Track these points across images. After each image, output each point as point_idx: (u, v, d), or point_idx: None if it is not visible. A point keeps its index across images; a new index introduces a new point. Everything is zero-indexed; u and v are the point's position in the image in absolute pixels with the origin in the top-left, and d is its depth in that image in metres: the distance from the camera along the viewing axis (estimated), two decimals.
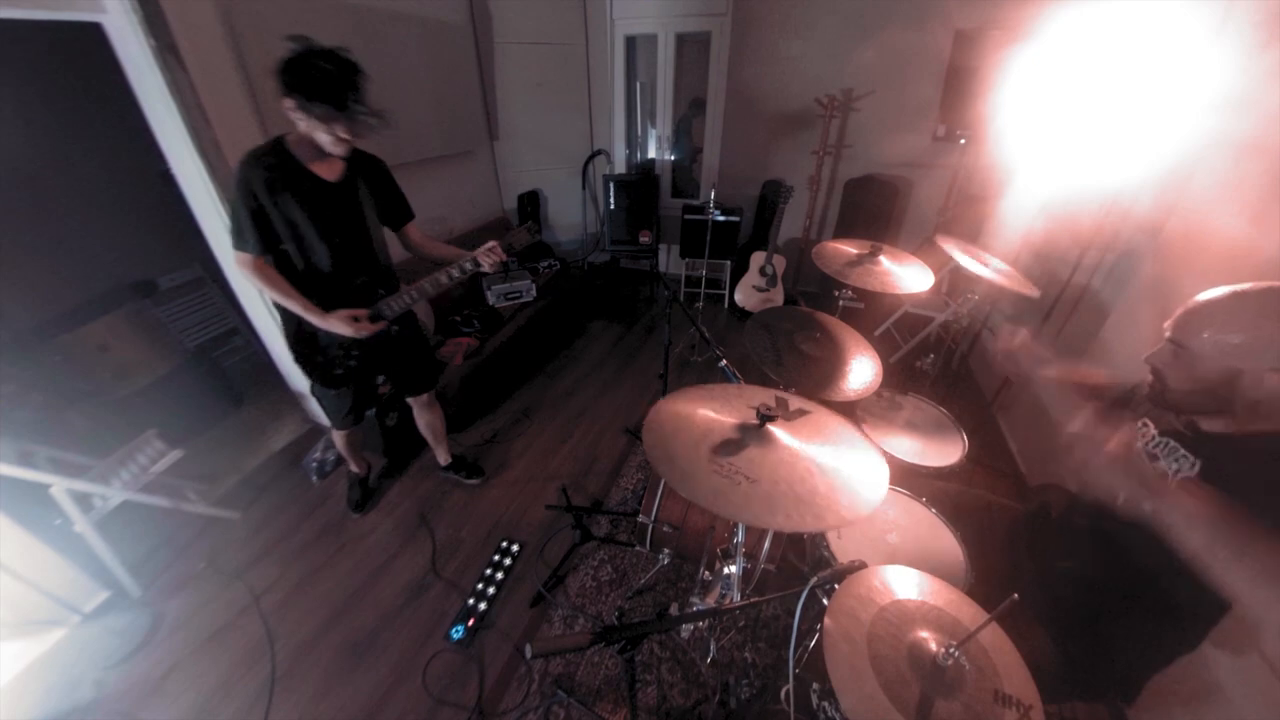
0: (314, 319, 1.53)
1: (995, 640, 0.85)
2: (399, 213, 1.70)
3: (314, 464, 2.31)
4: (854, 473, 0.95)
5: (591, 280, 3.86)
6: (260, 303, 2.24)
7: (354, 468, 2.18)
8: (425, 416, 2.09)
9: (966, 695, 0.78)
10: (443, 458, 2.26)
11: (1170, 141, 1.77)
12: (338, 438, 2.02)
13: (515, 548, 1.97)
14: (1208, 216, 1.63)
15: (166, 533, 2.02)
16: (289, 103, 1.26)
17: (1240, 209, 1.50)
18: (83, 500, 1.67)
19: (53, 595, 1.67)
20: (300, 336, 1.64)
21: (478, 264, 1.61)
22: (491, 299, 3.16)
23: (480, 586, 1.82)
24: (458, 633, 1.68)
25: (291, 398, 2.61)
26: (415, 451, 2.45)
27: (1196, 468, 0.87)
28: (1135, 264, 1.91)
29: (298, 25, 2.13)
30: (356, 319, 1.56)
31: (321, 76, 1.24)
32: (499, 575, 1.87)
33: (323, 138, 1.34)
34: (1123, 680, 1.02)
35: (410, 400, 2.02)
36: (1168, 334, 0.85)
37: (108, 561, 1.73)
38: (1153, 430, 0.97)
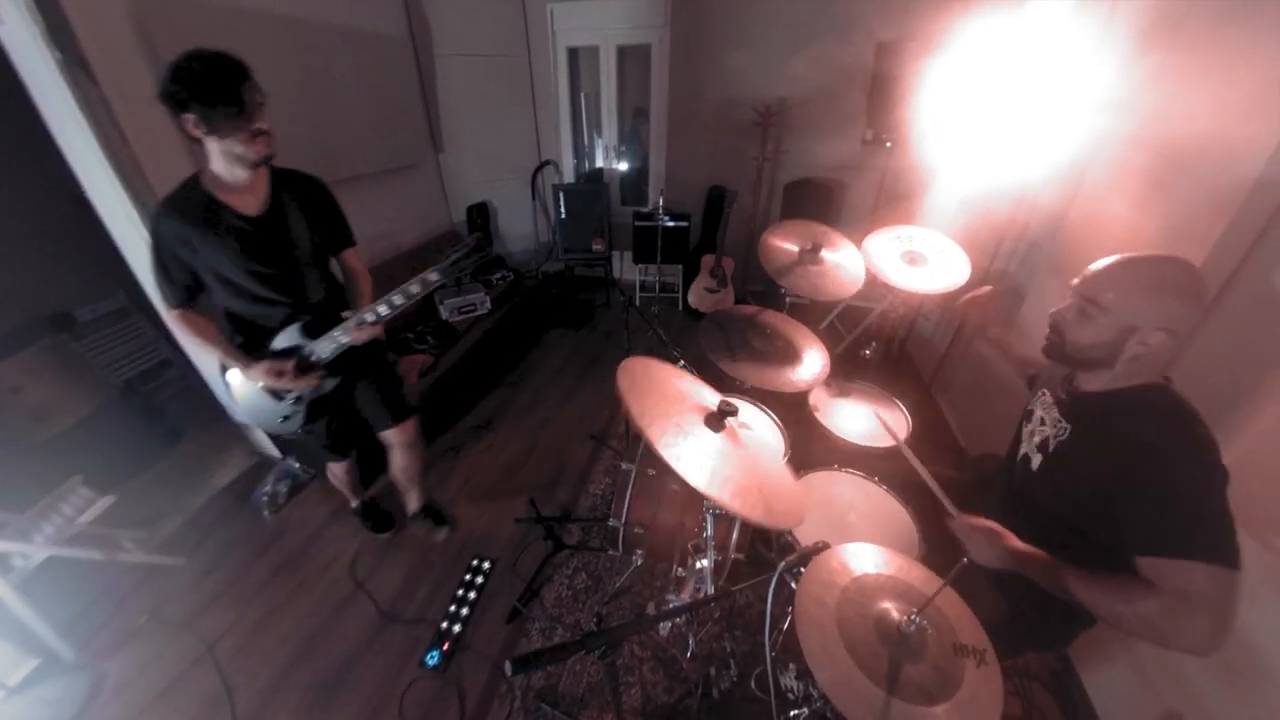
0: (240, 366, 1.40)
1: (947, 598, 0.92)
2: (336, 239, 1.49)
3: (265, 498, 2.19)
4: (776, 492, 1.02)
5: (546, 289, 3.85)
6: None
7: (351, 502, 2.08)
8: (401, 459, 1.85)
9: (930, 655, 0.84)
10: (414, 503, 2.06)
11: (1067, 140, 1.97)
12: (329, 470, 1.90)
13: (487, 565, 1.94)
14: (1101, 205, 1.83)
15: (101, 587, 1.85)
16: (190, 119, 1.12)
17: (1127, 197, 1.69)
18: (0, 561, 1.52)
19: None
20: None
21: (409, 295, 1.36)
22: (445, 313, 3.13)
23: (453, 608, 1.78)
24: (433, 658, 1.63)
25: (234, 430, 2.46)
26: (375, 474, 2.36)
27: (1067, 432, 0.99)
28: (1044, 250, 2.11)
29: (221, 37, 2.04)
30: (281, 372, 1.38)
31: (212, 74, 1.11)
32: (472, 595, 1.83)
33: (237, 151, 1.18)
34: (1066, 628, 1.12)
35: (383, 436, 1.78)
36: (1078, 291, 0.94)
37: (33, 626, 1.57)
38: (1049, 399, 1.09)
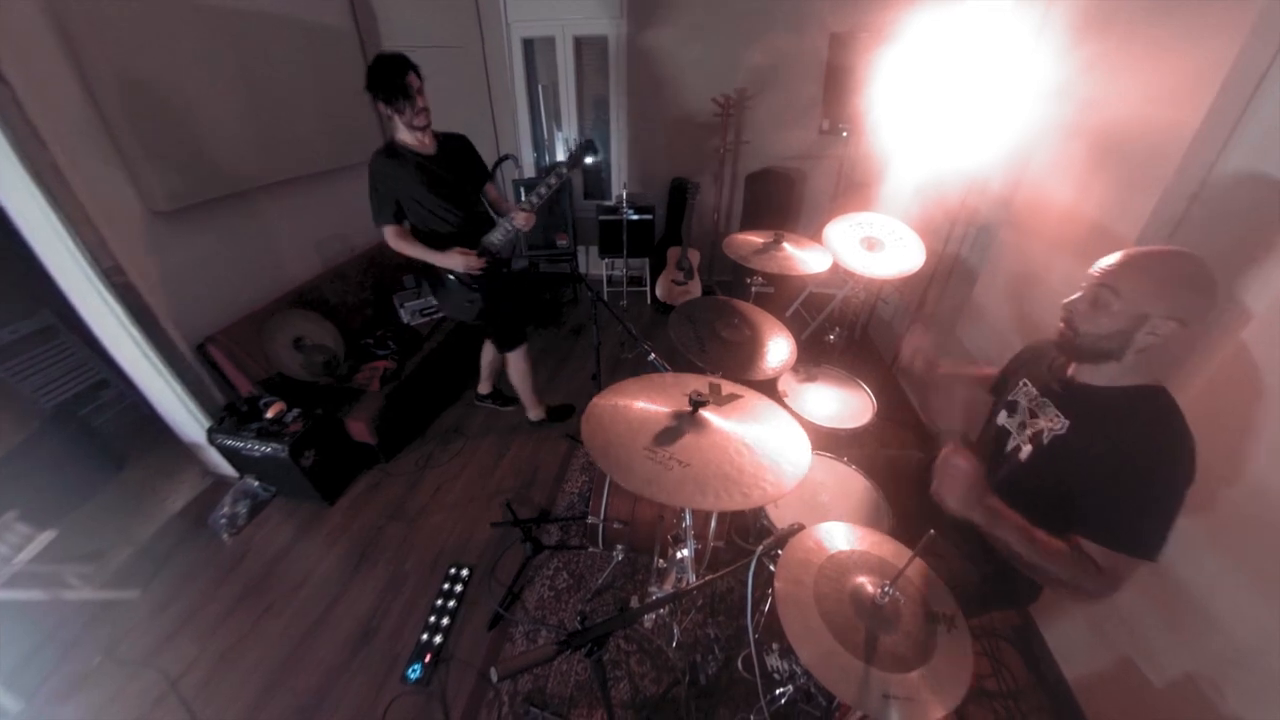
0: (434, 258, 1.94)
1: (917, 568, 0.96)
2: (479, 175, 2.11)
3: (223, 520, 2.08)
4: (780, 449, 1.03)
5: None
6: (134, 346, 1.97)
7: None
8: (521, 364, 2.37)
9: (904, 624, 0.88)
10: (535, 414, 2.63)
11: (1012, 127, 2.05)
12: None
13: (465, 572, 1.91)
14: (1045, 189, 1.92)
15: (47, 629, 1.72)
16: (380, 106, 1.78)
17: (1068, 181, 1.78)
18: None
19: None
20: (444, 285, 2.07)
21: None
22: (405, 316, 3.03)
23: (433, 619, 1.75)
24: (414, 672, 1.60)
25: (185, 450, 2.33)
26: (341, 488, 2.28)
27: (1066, 426, 1.00)
28: (994, 232, 2.21)
29: (147, 30, 1.93)
30: (465, 253, 1.94)
31: (376, 76, 1.72)
32: (451, 604, 1.80)
33: (400, 121, 1.81)
34: (1027, 588, 1.19)
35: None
36: (1093, 279, 0.92)
37: None
38: (1034, 390, 1.11)
